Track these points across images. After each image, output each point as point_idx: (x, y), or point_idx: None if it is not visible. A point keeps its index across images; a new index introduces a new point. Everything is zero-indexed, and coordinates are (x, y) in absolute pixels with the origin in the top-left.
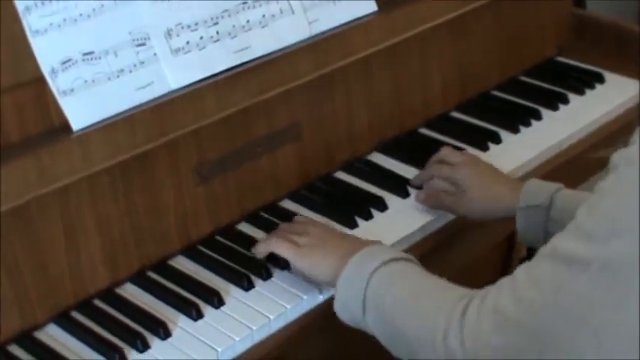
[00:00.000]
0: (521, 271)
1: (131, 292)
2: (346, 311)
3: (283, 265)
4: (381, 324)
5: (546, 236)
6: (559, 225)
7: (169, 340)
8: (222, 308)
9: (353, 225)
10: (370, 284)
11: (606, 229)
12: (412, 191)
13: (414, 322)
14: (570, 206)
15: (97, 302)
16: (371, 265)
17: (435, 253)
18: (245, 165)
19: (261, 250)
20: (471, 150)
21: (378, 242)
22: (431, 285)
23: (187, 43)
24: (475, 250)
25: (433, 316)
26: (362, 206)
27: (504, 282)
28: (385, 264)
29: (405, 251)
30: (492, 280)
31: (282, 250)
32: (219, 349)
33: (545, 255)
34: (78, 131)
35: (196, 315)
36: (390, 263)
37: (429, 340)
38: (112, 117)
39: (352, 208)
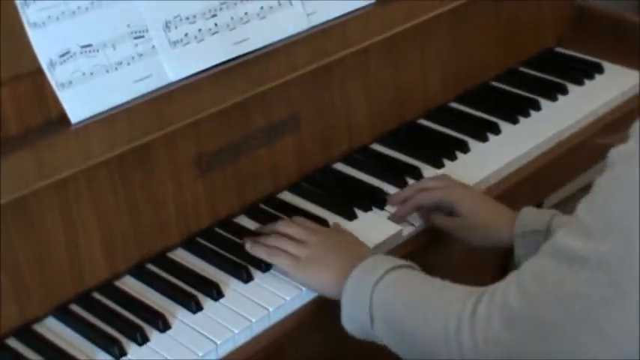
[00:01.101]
0: (527, 266)
1: (130, 284)
2: (354, 324)
3: (264, 267)
4: (391, 333)
5: None
6: None
7: (168, 332)
8: (221, 300)
9: (352, 216)
10: (375, 295)
11: (603, 226)
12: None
13: (425, 325)
14: None
15: (96, 295)
16: (373, 277)
17: (434, 245)
18: (244, 157)
19: (258, 254)
20: (471, 141)
21: (376, 253)
22: (436, 287)
23: (186, 35)
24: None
25: (444, 317)
26: (361, 198)
27: (511, 277)
28: (387, 273)
29: (405, 242)
30: (496, 275)
31: (281, 262)
32: (219, 342)
33: (548, 250)
34: (76, 124)
35: (195, 307)
36: (391, 272)
37: (442, 342)
38: (111, 109)
39: (351, 199)
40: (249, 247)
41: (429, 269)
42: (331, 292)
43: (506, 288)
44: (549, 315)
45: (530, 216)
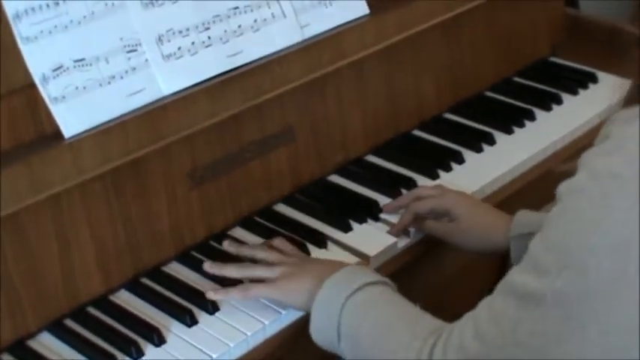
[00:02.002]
0: (483, 306)
1: (125, 299)
2: (322, 336)
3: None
4: (355, 354)
5: None
6: None
7: (164, 346)
8: (216, 314)
9: (347, 229)
10: (344, 312)
11: (556, 261)
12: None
13: (386, 356)
14: None
15: (91, 310)
16: (345, 292)
17: (428, 255)
18: (238, 169)
19: (232, 298)
20: (466, 151)
21: (353, 264)
22: (403, 316)
23: (179, 48)
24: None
25: (403, 352)
26: (356, 210)
27: (468, 316)
28: (360, 289)
29: (400, 254)
30: (491, 284)
31: (259, 294)
32: (214, 356)
33: (502, 290)
34: (70, 138)
35: (190, 321)
36: (364, 288)
37: None
38: (104, 124)
39: (346, 211)
40: (215, 295)
41: (425, 280)
42: (306, 301)
43: (463, 328)
44: (506, 356)
45: (526, 218)
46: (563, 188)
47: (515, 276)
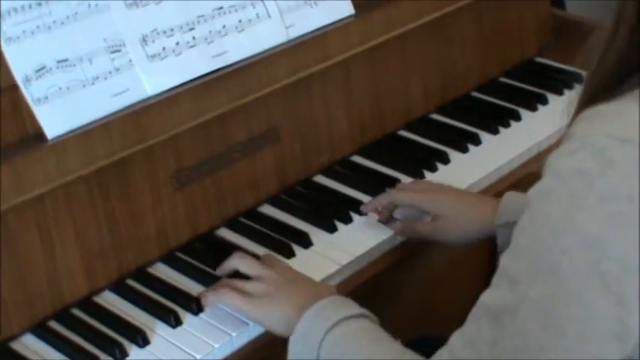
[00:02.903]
0: (455, 338)
1: (109, 300)
2: None
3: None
4: None
5: None
6: None
7: (148, 348)
8: (201, 315)
9: (332, 229)
10: (322, 348)
11: (528, 269)
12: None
13: None
14: None
15: (75, 311)
16: (324, 325)
17: (416, 253)
18: (224, 170)
19: (209, 303)
20: (451, 152)
21: (333, 293)
22: (383, 353)
23: (163, 49)
24: None
25: None
26: (342, 210)
27: (443, 350)
28: (339, 323)
29: (389, 252)
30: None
31: (231, 302)
32: (199, 357)
33: (473, 315)
34: (53, 139)
35: (175, 322)
36: (343, 322)
37: None
38: (88, 124)
39: (332, 212)
40: (202, 298)
41: (412, 279)
42: (284, 330)
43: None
44: None
45: (512, 205)
46: (532, 193)
47: (485, 297)
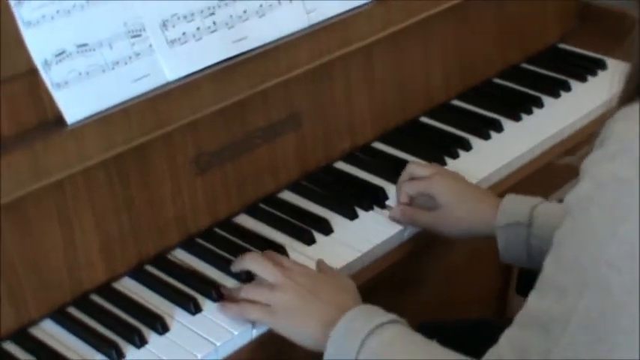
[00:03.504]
0: (505, 341)
1: (128, 286)
2: None
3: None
4: None
5: (529, 251)
6: (542, 240)
7: (167, 334)
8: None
9: (353, 216)
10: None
11: (575, 281)
12: None
13: None
14: (552, 220)
15: (94, 297)
16: (357, 339)
17: (436, 244)
18: (244, 156)
19: (229, 314)
20: (473, 138)
21: (354, 293)
22: (421, 354)
23: (184, 34)
24: None
25: None
26: (362, 197)
27: (491, 354)
28: (372, 333)
29: (409, 240)
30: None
31: (253, 317)
32: (218, 343)
33: (522, 321)
34: (72, 124)
35: (194, 309)
36: (376, 332)
37: None
38: (108, 110)
39: (352, 198)
40: (222, 308)
41: (432, 268)
42: (313, 345)
43: None
44: None
45: (512, 206)
46: (571, 200)
47: (533, 304)
